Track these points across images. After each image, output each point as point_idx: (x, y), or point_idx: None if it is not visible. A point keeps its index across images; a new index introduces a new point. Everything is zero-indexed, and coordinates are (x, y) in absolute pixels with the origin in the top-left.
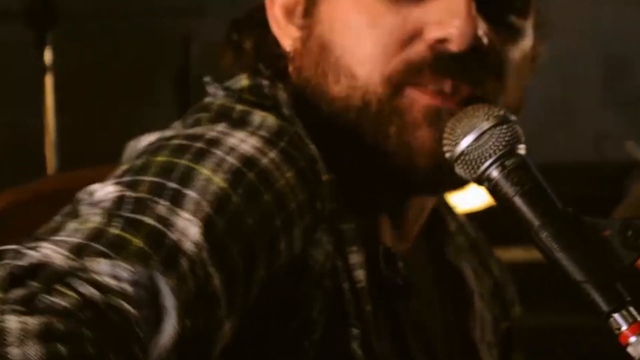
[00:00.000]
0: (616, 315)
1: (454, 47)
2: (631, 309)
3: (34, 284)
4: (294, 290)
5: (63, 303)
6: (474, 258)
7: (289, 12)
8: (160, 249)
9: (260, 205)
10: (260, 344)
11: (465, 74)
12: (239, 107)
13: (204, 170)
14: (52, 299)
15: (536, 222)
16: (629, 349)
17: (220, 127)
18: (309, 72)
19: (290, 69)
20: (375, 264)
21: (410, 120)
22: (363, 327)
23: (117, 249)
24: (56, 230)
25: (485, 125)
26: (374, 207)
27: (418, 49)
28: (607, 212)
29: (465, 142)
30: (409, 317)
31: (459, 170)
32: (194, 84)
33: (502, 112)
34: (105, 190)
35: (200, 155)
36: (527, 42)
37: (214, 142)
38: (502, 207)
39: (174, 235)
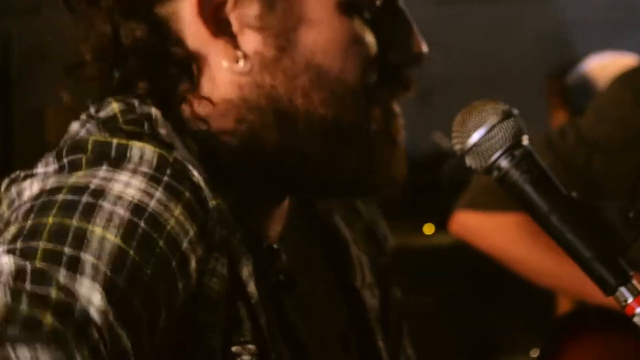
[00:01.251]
0: (622, 289)
1: (410, 67)
2: (635, 282)
3: None
4: (193, 323)
5: None
6: (341, 206)
7: (215, 21)
8: (70, 324)
9: (155, 253)
10: None
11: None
12: (115, 141)
13: (97, 229)
14: None
15: (545, 207)
16: (636, 319)
17: (102, 172)
18: (278, 91)
19: (225, 81)
20: (260, 265)
21: (378, 142)
22: (259, 342)
23: (31, 331)
24: None
25: (495, 119)
26: (268, 208)
27: (382, 69)
28: (423, 199)
29: (477, 135)
30: (297, 301)
31: (469, 161)
32: (14, 87)
33: (506, 107)
34: (2, 261)
35: (89, 212)
36: None
37: (100, 194)
38: (511, 195)
39: (79, 305)
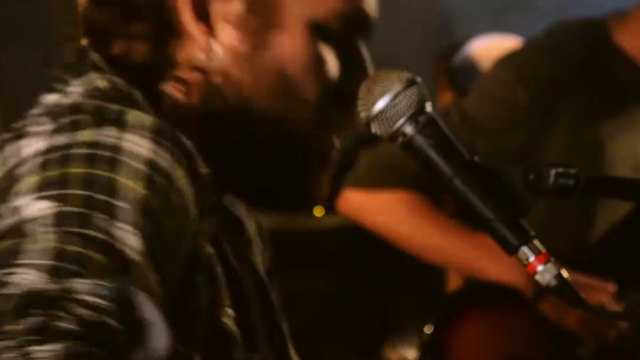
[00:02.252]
0: (524, 248)
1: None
2: (536, 242)
3: (37, 311)
4: (190, 281)
5: (71, 327)
6: (240, 203)
7: (197, 11)
8: (116, 261)
9: (171, 206)
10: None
11: None
12: (113, 108)
13: (123, 179)
14: (60, 324)
15: (449, 171)
16: (537, 277)
17: (109, 131)
18: (247, 86)
19: (198, 75)
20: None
21: (324, 157)
22: (237, 308)
23: (84, 266)
24: (15, 253)
25: (399, 87)
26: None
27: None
28: None
29: (382, 103)
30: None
31: (375, 127)
32: None
33: (410, 75)
34: (36, 206)
35: (113, 164)
36: None
37: (117, 149)
38: (416, 160)
39: (118, 246)
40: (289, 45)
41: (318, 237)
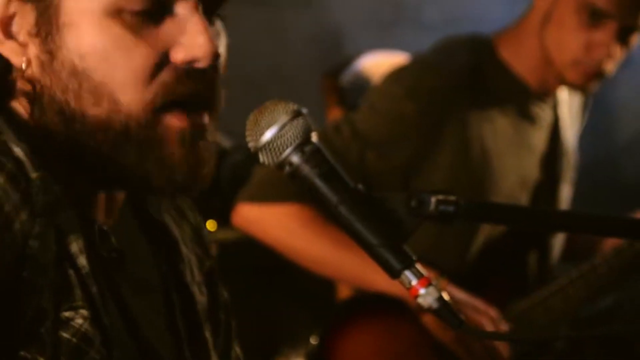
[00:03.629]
0: (407, 272)
1: (201, 65)
2: (418, 266)
3: None
4: (21, 284)
5: None
6: (171, 209)
7: (5, 28)
8: None
9: None
10: (6, 340)
11: (211, 84)
12: None
13: None
14: None
15: (334, 199)
16: (419, 300)
17: None
18: (55, 92)
19: (20, 81)
20: (92, 243)
21: (166, 144)
22: (92, 308)
23: None
24: None
25: (285, 118)
26: (92, 194)
27: (169, 72)
28: (204, 195)
29: (269, 134)
30: (129, 283)
31: (262, 157)
32: None
33: (296, 107)
34: None
35: None
36: (224, 39)
37: None
38: (303, 188)
39: None
40: (79, 42)
41: None
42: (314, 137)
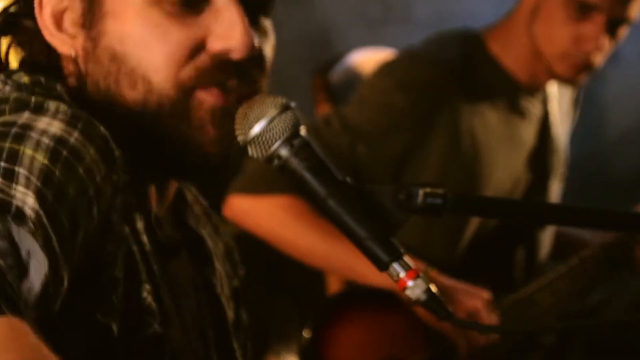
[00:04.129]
0: (395, 265)
1: (235, 56)
2: (406, 258)
3: None
4: (102, 251)
5: None
6: (207, 224)
7: (58, 22)
8: (10, 212)
9: (77, 177)
10: (80, 300)
11: (246, 77)
12: (33, 98)
13: (27, 150)
14: None
15: (323, 192)
16: (407, 292)
17: (26, 115)
18: (98, 78)
19: (70, 70)
20: (150, 228)
21: (198, 119)
22: (153, 284)
23: None
24: None
25: (274, 112)
26: (150, 179)
27: (204, 59)
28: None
29: (258, 127)
30: (177, 273)
31: (251, 151)
32: None
33: (284, 101)
34: None
35: (20, 138)
36: (272, 39)
37: (27, 127)
38: (292, 182)
39: (16, 203)
40: (121, 28)
41: None
42: (303, 131)
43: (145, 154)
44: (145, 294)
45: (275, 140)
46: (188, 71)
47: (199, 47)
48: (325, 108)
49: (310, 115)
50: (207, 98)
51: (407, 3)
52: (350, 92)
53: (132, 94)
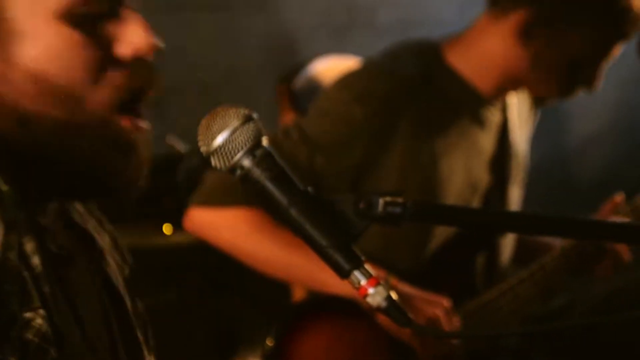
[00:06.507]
0: (356, 272)
1: (144, 55)
2: (367, 266)
3: None
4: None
5: None
6: (90, 219)
7: None
8: None
9: None
10: None
11: (154, 79)
12: None
13: None
14: None
15: (285, 201)
16: (368, 299)
17: None
18: (12, 98)
19: None
20: (43, 243)
21: (120, 143)
22: (47, 307)
23: None
24: None
25: (236, 123)
26: (44, 201)
27: (117, 68)
28: (161, 200)
29: (220, 138)
30: (75, 278)
31: (214, 161)
32: None
33: (247, 112)
34: None
35: None
36: None
37: None
38: (254, 191)
39: None
40: (33, 47)
41: (167, 254)
42: (265, 142)
43: (52, 176)
44: (39, 321)
45: (238, 151)
46: (106, 85)
47: (109, 57)
48: (289, 115)
49: (275, 123)
50: (128, 124)
51: (371, 10)
52: (313, 99)
53: (54, 113)
